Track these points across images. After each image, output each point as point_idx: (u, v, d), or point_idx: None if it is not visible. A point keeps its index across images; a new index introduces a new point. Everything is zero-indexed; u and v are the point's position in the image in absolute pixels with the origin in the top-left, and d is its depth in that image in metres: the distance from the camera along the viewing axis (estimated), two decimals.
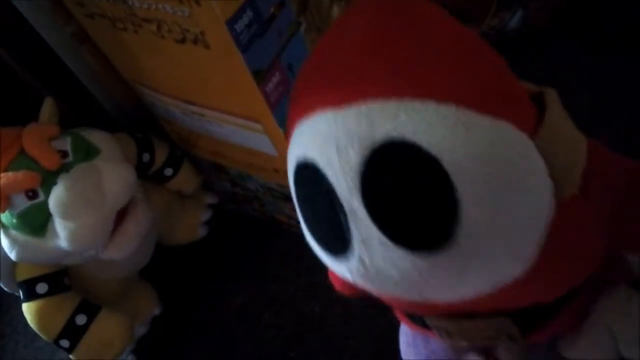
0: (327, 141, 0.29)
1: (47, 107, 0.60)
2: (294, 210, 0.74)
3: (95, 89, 0.71)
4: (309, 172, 0.31)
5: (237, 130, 0.60)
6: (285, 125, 0.55)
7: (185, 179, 0.76)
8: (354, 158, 0.28)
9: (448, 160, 0.26)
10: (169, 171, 0.73)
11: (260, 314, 0.78)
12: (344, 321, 0.74)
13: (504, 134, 0.28)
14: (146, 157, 0.70)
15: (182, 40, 0.49)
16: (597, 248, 0.34)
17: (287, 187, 0.68)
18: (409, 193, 0.27)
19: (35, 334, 0.63)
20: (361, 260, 0.30)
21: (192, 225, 0.81)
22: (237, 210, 0.87)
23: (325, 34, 0.33)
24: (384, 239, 0.28)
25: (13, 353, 0.84)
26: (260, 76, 0.50)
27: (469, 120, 0.27)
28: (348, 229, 0.30)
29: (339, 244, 0.31)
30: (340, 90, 0.29)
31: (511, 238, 0.28)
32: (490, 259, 0.29)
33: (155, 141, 0.72)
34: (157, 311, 0.78)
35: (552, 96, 0.32)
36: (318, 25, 0.56)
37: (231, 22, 0.45)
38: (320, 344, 0.73)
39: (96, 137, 0.61)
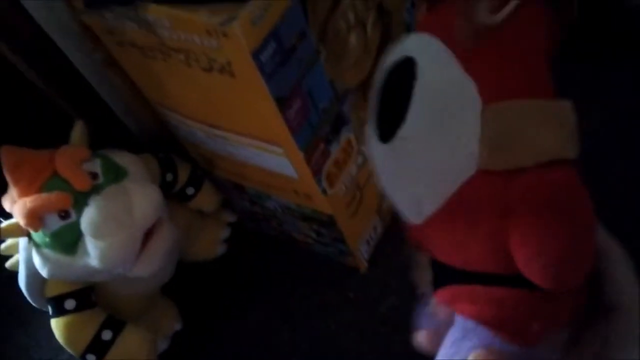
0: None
1: (78, 130, 0.63)
2: (311, 229, 0.76)
3: (121, 111, 0.73)
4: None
5: (258, 153, 0.62)
6: (304, 149, 0.58)
7: (206, 198, 0.78)
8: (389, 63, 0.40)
9: (421, 76, 0.36)
10: (190, 190, 0.76)
11: (277, 331, 0.79)
12: (359, 339, 0.75)
13: (462, 83, 0.35)
14: (169, 176, 0.72)
15: (209, 69, 0.52)
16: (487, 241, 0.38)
17: (305, 207, 0.70)
18: (391, 90, 0.38)
19: (58, 347, 0.65)
20: (368, 139, 0.41)
21: (212, 242, 0.84)
22: (255, 229, 0.89)
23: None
24: (373, 128, 0.40)
25: None
26: (282, 103, 0.52)
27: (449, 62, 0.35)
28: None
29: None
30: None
31: (431, 166, 0.36)
32: (413, 175, 0.37)
33: (178, 161, 0.75)
34: (178, 327, 0.80)
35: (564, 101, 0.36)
36: (336, 53, 0.58)
37: (257, 53, 0.47)
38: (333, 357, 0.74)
39: (124, 158, 0.63)
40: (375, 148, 0.40)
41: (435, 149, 0.36)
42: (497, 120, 0.34)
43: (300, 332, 0.78)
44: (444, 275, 0.44)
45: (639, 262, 0.44)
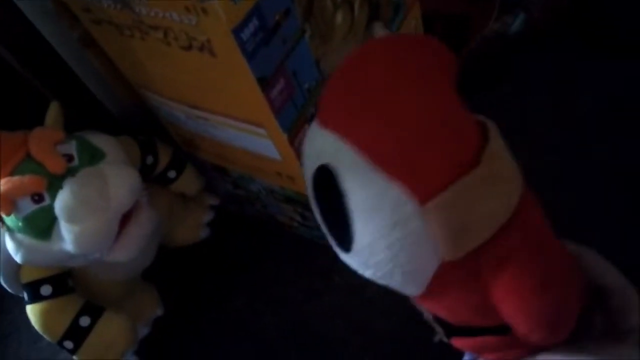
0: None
1: (53, 112, 0.60)
2: (296, 212, 0.75)
3: (100, 92, 0.71)
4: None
5: (240, 135, 0.61)
6: (288, 130, 0.56)
7: (188, 181, 0.77)
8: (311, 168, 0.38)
9: (349, 192, 0.34)
10: (172, 173, 0.74)
11: (261, 316, 0.79)
12: (345, 324, 0.75)
13: (391, 191, 0.33)
14: (150, 159, 0.70)
15: (189, 48, 0.50)
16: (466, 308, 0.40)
17: (289, 189, 0.69)
18: (325, 204, 0.38)
19: (38, 334, 0.63)
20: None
21: (194, 226, 0.82)
22: (239, 212, 0.87)
23: (338, 69, 0.39)
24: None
25: (15, 353, 0.85)
26: (265, 83, 0.51)
27: (367, 174, 0.34)
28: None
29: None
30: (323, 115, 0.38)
31: (398, 269, 0.35)
32: (383, 274, 0.36)
33: (159, 144, 0.73)
34: (159, 312, 0.78)
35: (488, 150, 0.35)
36: (322, 32, 0.56)
37: (237, 31, 0.45)
38: (321, 346, 0.74)
39: (101, 140, 0.61)
40: (342, 255, 0.39)
41: (393, 255, 0.35)
42: (442, 215, 0.33)
43: (284, 316, 0.78)
44: (451, 328, 0.45)
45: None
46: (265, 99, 0.52)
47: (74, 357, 0.64)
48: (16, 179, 0.54)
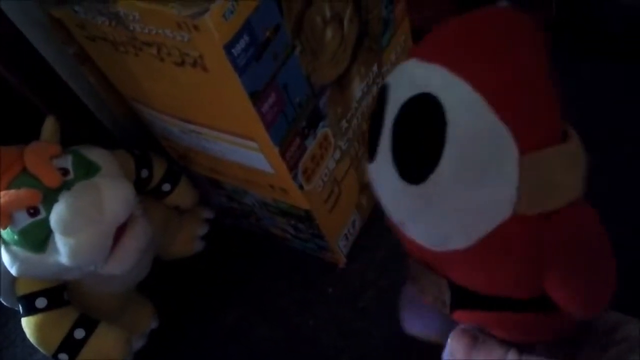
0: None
1: (49, 126, 0.62)
2: (289, 224, 0.76)
3: (95, 107, 0.72)
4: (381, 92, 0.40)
5: (233, 148, 0.62)
6: (279, 143, 0.57)
7: (183, 194, 0.78)
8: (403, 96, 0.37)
9: (452, 121, 0.35)
10: (166, 187, 0.75)
11: (255, 327, 0.79)
12: (339, 334, 0.75)
13: (498, 132, 0.34)
14: (145, 173, 0.71)
15: (182, 63, 0.51)
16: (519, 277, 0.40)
17: (282, 202, 0.70)
18: (417, 131, 0.37)
19: (33, 347, 0.64)
20: (376, 168, 0.40)
21: (189, 239, 0.83)
22: (233, 225, 0.88)
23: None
24: (391, 165, 0.38)
25: None
26: (256, 97, 0.52)
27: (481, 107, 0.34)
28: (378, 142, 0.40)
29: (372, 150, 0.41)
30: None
31: (463, 210, 0.36)
32: (443, 216, 0.37)
33: (154, 157, 0.73)
34: (154, 325, 0.79)
35: (574, 136, 0.37)
36: (312, 48, 0.58)
37: (229, 47, 0.47)
38: (314, 357, 0.74)
39: (96, 154, 0.62)
40: (391, 183, 0.39)
41: (470, 194, 0.36)
42: (534, 169, 0.35)
43: (278, 328, 0.78)
44: (465, 298, 0.45)
45: None
46: (256, 113, 0.53)
47: None
48: (12, 192, 0.55)
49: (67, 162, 0.59)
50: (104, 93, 0.69)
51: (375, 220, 0.82)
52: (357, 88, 0.69)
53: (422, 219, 0.39)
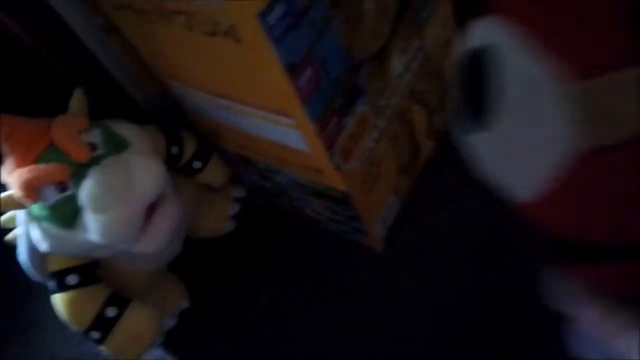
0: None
1: (77, 99, 0.60)
2: (324, 207, 0.73)
3: (124, 81, 0.70)
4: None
5: (267, 125, 0.59)
6: (317, 120, 0.54)
7: (214, 172, 0.76)
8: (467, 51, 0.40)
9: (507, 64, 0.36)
10: (197, 164, 0.73)
11: (287, 309, 0.77)
12: (373, 321, 0.72)
13: (544, 65, 0.34)
14: (175, 149, 0.69)
15: (212, 34, 0.48)
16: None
17: (318, 183, 0.67)
18: (476, 76, 0.39)
19: (60, 324, 0.63)
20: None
21: (220, 218, 0.81)
22: (266, 205, 0.86)
23: None
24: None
25: (39, 344, 0.86)
26: (292, 70, 0.49)
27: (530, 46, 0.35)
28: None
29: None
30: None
31: (527, 149, 0.37)
32: (518, 156, 0.38)
33: (184, 134, 0.72)
34: (185, 304, 0.78)
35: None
36: (351, 19, 0.54)
37: (263, 15, 0.43)
38: (346, 341, 0.72)
39: (125, 129, 0.60)
40: (473, 136, 0.41)
41: (536, 132, 0.36)
42: (595, 97, 0.34)
43: (312, 313, 0.76)
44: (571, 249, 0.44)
45: None
46: (293, 87, 0.50)
47: (101, 347, 0.64)
48: (40, 167, 0.53)
49: (96, 136, 0.57)
50: (133, 66, 0.67)
51: (413, 204, 0.78)
52: (398, 63, 0.65)
53: (501, 164, 0.40)
